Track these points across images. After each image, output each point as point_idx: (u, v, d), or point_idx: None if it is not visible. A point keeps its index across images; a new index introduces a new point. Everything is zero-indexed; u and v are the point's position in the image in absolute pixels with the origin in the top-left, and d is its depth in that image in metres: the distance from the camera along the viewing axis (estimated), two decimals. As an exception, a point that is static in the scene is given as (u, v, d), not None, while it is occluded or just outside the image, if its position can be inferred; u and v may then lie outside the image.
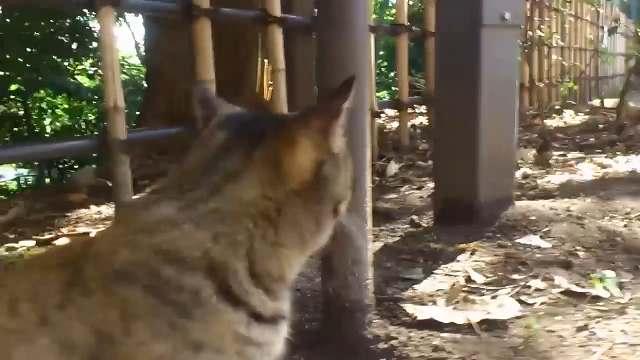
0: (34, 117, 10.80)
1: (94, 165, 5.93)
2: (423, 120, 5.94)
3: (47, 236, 3.13)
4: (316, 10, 1.64)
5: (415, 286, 2.06)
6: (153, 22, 5.22)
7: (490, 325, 1.73)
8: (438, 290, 2.01)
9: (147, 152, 4.67)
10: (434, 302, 1.90)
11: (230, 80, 4.82)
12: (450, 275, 2.15)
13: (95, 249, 0.88)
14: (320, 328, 1.70)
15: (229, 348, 0.86)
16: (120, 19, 10.41)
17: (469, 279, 2.08)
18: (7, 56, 9.00)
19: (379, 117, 4.43)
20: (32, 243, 3.02)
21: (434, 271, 2.19)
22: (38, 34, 8.42)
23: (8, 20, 8.59)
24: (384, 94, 10.49)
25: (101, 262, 0.86)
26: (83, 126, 10.84)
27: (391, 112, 5.95)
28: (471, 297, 1.90)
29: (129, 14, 7.81)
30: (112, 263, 0.84)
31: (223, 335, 0.85)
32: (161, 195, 0.91)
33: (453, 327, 1.72)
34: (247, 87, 4.87)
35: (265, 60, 4.66)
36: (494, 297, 1.91)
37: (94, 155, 6.44)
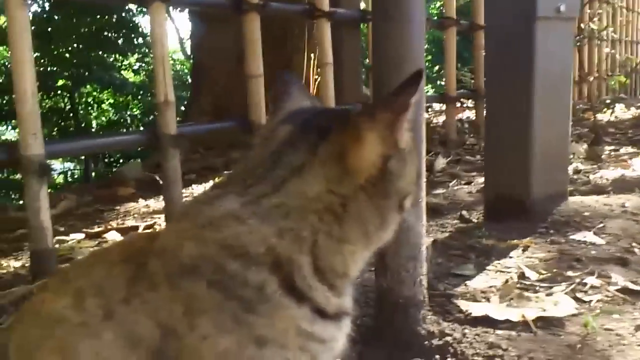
0: (80, 111, 11.01)
1: (139, 160, 6.01)
2: (470, 114, 5.87)
3: (96, 229, 3.18)
4: (372, 2, 1.62)
5: (467, 282, 2.03)
6: (199, 17, 5.25)
7: (546, 323, 1.70)
8: (491, 286, 1.98)
9: (194, 147, 4.70)
10: (488, 299, 1.87)
11: (279, 79, 4.83)
12: (502, 271, 2.12)
13: (160, 244, 0.89)
14: (373, 324, 1.68)
15: (292, 343, 0.85)
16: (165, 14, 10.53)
17: (522, 276, 2.05)
18: (55, 52, 9.22)
19: (427, 111, 4.38)
20: (81, 236, 3.07)
21: (486, 267, 2.16)
22: (85, 30, 8.54)
23: (57, 17, 8.76)
24: (428, 88, 10.40)
25: (167, 256, 0.86)
26: (128, 121, 11.02)
27: (437, 106, 5.90)
28: (525, 294, 1.86)
29: (179, 9, 7.83)
30: (178, 258, 0.85)
31: (287, 331, 0.85)
32: (224, 190, 0.90)
33: (508, 324, 1.69)
34: (294, 82, 4.86)
35: (312, 55, 4.65)
36: (549, 294, 1.87)
37: (139, 149, 6.55)
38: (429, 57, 12.68)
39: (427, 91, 9.52)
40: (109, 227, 3.20)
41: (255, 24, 2.84)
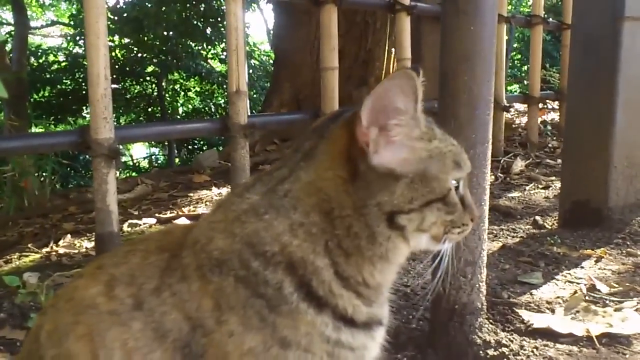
0: (167, 98, 11.28)
1: (216, 148, 6.09)
2: (555, 116, 5.66)
3: (168, 214, 3.24)
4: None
5: (533, 291, 1.95)
6: (281, 9, 5.27)
7: (611, 340, 1.60)
8: (557, 297, 1.89)
9: (271, 138, 4.73)
10: (552, 310, 1.78)
11: (357, 68, 4.79)
12: (572, 282, 2.02)
13: (193, 236, 0.87)
14: (428, 328, 1.63)
15: (317, 349, 0.83)
16: (253, 5, 10.64)
17: (592, 288, 1.94)
18: (145, 39, 9.46)
19: (508, 111, 4.24)
20: (153, 220, 3.13)
21: (555, 277, 2.07)
22: (175, 18, 8.72)
23: (149, 5, 8.97)
24: (515, 88, 10.10)
25: (198, 249, 0.85)
26: (212, 109, 11.21)
27: (521, 107, 5.71)
28: (593, 307, 1.76)
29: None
30: (209, 251, 0.84)
31: (311, 335, 0.82)
32: (257, 178, 0.90)
33: (570, 338, 1.61)
34: (373, 76, 4.82)
35: (393, 49, 4.58)
36: (617, 310, 1.76)
37: (221, 138, 6.63)
38: (518, 56, 12.33)
39: (514, 91, 9.27)
40: (181, 213, 3.25)
41: (332, 16, 2.81)
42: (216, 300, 0.81)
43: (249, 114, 2.57)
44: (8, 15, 10.78)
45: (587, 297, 1.87)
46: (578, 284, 1.99)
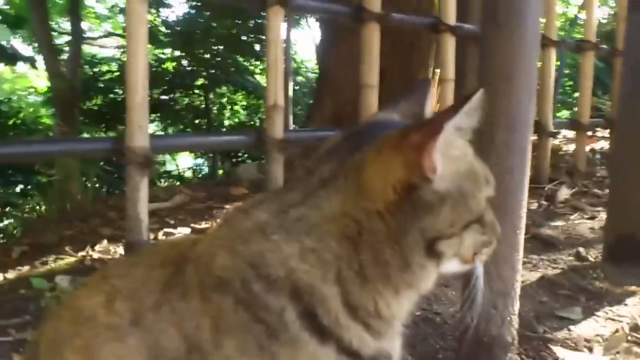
0: (214, 111, 11.41)
1: (258, 161, 6.10)
2: (605, 145, 5.49)
3: (203, 225, 3.22)
4: (482, 10, 1.50)
5: (571, 327, 1.86)
6: (326, 25, 5.26)
7: (653, 386, 1.51)
8: (597, 335, 1.79)
9: (308, 153, 4.69)
10: (590, 349, 1.69)
11: (401, 87, 4.74)
12: (613, 319, 1.92)
13: (197, 251, 0.83)
14: (455, 360, 1.56)
15: None
16: (300, 22, 10.71)
17: (635, 327, 1.84)
18: (196, 52, 9.61)
19: (554, 137, 4.13)
20: (188, 230, 3.12)
21: (595, 313, 1.97)
22: (224, 33, 8.84)
23: (201, 20, 9.12)
24: (564, 114, 9.91)
25: (200, 265, 0.81)
26: (258, 123, 11.29)
27: (571, 133, 5.57)
28: (635, 348, 1.67)
29: (301, 15, 7.86)
30: (210, 268, 0.79)
31: None
32: (265, 196, 0.85)
33: (607, 380, 1.51)
34: (417, 97, 4.75)
35: (438, 70, 4.52)
36: (662, 353, 1.66)
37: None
38: (570, 83, 12.13)
39: (564, 117, 9.09)
40: (216, 224, 3.23)
41: (375, 34, 2.77)
42: (215, 321, 0.77)
43: (292, 128, 2.55)
44: (67, 25, 11.05)
45: (629, 337, 1.77)
46: (620, 322, 1.89)
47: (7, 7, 9.03)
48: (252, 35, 9.49)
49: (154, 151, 2.11)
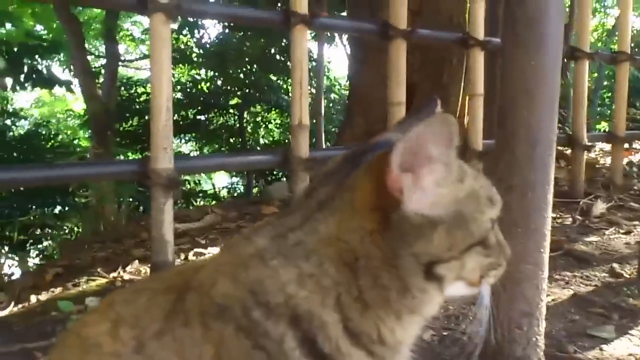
0: (249, 130, 11.50)
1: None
2: (643, 157, 5.38)
3: (233, 245, 3.22)
4: (502, 23, 1.48)
5: (603, 346, 1.80)
6: (356, 42, 5.26)
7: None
8: (630, 354, 1.74)
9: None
10: (622, 369, 1.63)
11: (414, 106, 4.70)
12: (648, 339, 1.85)
13: (199, 277, 0.82)
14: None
15: None
16: (335, 40, 10.74)
17: (671, 347, 1.78)
18: (230, 72, 9.72)
19: (589, 150, 4.05)
20: (218, 250, 3.12)
21: (629, 331, 1.90)
22: (257, 52, 8.93)
23: (233, 39, 9.22)
24: (604, 126, 9.74)
25: (202, 292, 0.80)
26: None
27: (607, 146, 5.46)
28: (670, 369, 1.61)
29: (325, 32, 7.85)
30: (212, 296, 0.78)
31: None
32: (267, 221, 0.84)
33: (641, 403, 1.46)
34: (448, 112, 4.71)
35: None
36: (699, 374, 1.60)
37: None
38: (609, 94, 11.94)
39: (603, 129, 8.93)
40: (218, 251, 3.22)
41: (401, 51, 2.75)
42: (217, 349, 0.76)
43: (325, 146, 2.54)
44: (104, 48, 11.28)
45: (663, 357, 1.71)
46: (654, 340, 1.82)
47: (45, 31, 9.26)
48: (285, 54, 9.56)
49: (178, 172, 2.12)
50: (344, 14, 6.87)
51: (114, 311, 0.85)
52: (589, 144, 3.93)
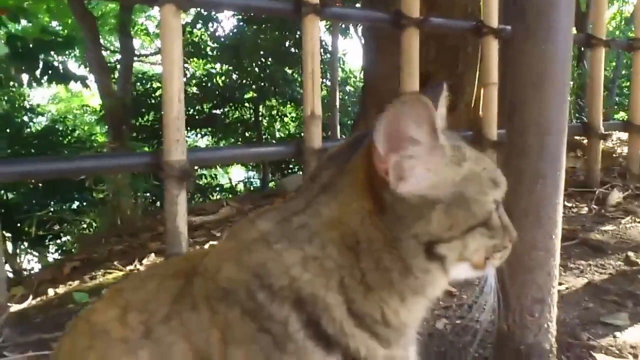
0: (264, 123, 11.52)
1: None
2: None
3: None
4: (511, 13, 1.47)
5: (616, 334, 1.79)
6: (370, 33, 5.24)
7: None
8: (644, 342, 1.73)
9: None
10: (635, 356, 1.62)
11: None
12: (662, 326, 1.84)
13: (205, 262, 0.84)
14: (492, 369, 1.52)
15: None
16: (349, 32, 10.72)
17: (685, 334, 1.77)
18: (245, 65, 9.73)
19: (605, 139, 4.01)
20: (233, 243, 3.14)
21: (643, 319, 1.89)
22: (272, 45, 8.92)
23: (248, 33, 9.22)
24: (623, 116, 9.65)
25: (208, 277, 0.81)
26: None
27: (625, 135, 5.41)
28: (684, 357, 1.60)
29: (337, 22, 7.84)
30: (217, 280, 0.79)
31: None
32: (275, 205, 0.86)
33: (653, 390, 1.45)
34: (463, 102, 4.69)
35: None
36: None
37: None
38: (627, 84, 11.81)
39: (622, 118, 8.84)
40: (224, 236, 3.24)
41: (414, 40, 2.74)
42: (223, 332, 0.77)
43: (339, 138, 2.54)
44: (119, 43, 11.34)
45: (677, 344, 1.70)
46: (669, 329, 1.81)
47: (60, 27, 9.31)
48: (300, 47, 9.55)
49: (191, 164, 2.13)
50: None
51: (122, 298, 0.86)
52: (605, 132, 3.89)
